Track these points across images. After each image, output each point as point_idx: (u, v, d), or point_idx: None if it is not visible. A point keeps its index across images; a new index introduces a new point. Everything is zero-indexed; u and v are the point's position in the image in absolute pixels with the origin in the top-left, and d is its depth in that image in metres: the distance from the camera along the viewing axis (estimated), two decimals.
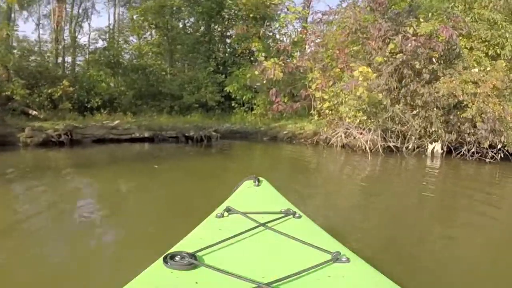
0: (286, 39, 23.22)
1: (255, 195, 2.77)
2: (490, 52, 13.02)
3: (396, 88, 12.92)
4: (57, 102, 17.83)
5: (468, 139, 12.10)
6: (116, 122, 15.35)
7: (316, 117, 15.33)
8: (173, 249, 1.68)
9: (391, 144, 13.20)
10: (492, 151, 11.87)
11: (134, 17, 25.14)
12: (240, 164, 12.09)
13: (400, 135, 13.33)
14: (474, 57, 12.97)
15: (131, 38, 26.58)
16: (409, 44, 12.12)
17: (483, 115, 11.58)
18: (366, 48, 13.83)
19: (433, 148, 13.00)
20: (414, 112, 12.82)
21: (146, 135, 15.26)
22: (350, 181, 9.62)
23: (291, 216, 2.25)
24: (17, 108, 16.22)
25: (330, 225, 2.77)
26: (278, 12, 24.03)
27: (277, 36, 24.34)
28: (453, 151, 12.67)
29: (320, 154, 14.03)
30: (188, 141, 15.76)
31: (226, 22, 25.16)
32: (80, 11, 27.36)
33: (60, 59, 23.32)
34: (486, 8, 13.15)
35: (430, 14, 13.40)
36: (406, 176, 10.58)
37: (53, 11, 23.84)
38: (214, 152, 14.66)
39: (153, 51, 25.85)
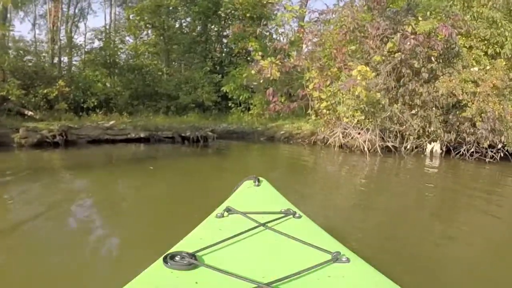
0: (283, 39, 23.12)
1: (255, 195, 2.76)
2: (489, 51, 12.90)
3: (394, 87, 12.82)
4: (53, 102, 17.81)
5: (467, 138, 12.00)
6: (112, 122, 15.22)
7: (313, 117, 15.19)
8: (173, 249, 1.68)
9: (390, 144, 13.08)
10: (491, 151, 11.77)
11: (131, 17, 24.99)
12: (237, 164, 12.01)
13: (398, 135, 13.23)
14: (473, 56, 12.86)
15: (127, 38, 26.47)
16: (408, 43, 12.02)
17: (483, 115, 11.48)
18: (364, 47, 13.71)
19: (432, 148, 12.90)
20: (413, 111, 12.71)
21: (141, 135, 15.11)
22: (349, 181, 9.56)
23: (291, 216, 2.25)
24: (13, 109, 16.16)
25: (329, 225, 2.69)
26: (275, 12, 23.93)
27: (274, 36, 24.26)
28: (452, 151, 12.57)
29: (317, 154, 13.95)
30: (184, 141, 15.63)
31: (223, 22, 25.06)
32: (76, 11, 27.34)
33: (56, 59, 23.21)
34: (485, 6, 13.04)
35: (428, 13, 13.29)
36: (405, 176, 10.50)
37: (49, 11, 23.79)
38: (210, 153, 14.53)
39: (149, 51, 25.79)
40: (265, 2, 23.11)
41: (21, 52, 21.02)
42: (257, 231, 1.97)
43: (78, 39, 26.68)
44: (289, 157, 13.75)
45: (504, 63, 12.12)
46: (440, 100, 12.03)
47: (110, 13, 27.94)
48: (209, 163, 11.95)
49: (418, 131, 12.80)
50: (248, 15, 23.03)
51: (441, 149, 12.81)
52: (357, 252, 1.81)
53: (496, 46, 12.79)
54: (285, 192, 2.88)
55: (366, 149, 12.67)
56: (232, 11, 23.78)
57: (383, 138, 13.13)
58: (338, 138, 13.60)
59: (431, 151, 12.94)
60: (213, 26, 25.56)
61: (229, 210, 2.23)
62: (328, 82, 14.13)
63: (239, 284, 1.42)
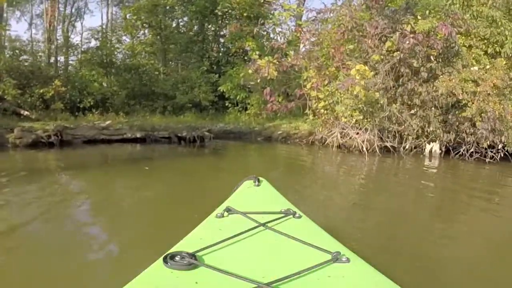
0: (281, 38, 23.07)
1: (255, 195, 2.76)
2: (489, 50, 12.80)
3: (393, 87, 12.71)
4: (49, 102, 17.83)
5: (467, 139, 11.90)
6: (108, 122, 15.13)
7: (311, 117, 15.11)
8: (173, 249, 1.67)
9: (388, 144, 12.98)
10: (491, 151, 11.68)
11: (127, 16, 25.01)
12: (234, 164, 11.93)
13: (397, 135, 13.13)
14: (473, 55, 12.75)
15: (124, 37, 26.49)
16: (407, 42, 11.92)
17: (483, 114, 11.37)
18: (362, 46, 13.61)
19: (431, 148, 12.81)
20: (412, 111, 12.62)
21: (138, 135, 15.00)
22: (348, 181, 9.48)
23: (291, 216, 2.24)
24: (9, 108, 16.18)
25: (329, 225, 2.65)
26: (272, 12, 23.89)
27: (271, 35, 24.21)
28: (451, 151, 12.48)
29: (315, 155, 13.85)
30: (181, 141, 15.52)
31: (220, 21, 25.01)
32: (73, 10, 27.45)
33: (52, 59, 23.21)
34: (485, 5, 12.94)
35: (427, 12, 13.19)
36: (404, 176, 10.42)
37: (45, 10, 23.82)
38: (207, 153, 14.43)
39: (146, 50, 25.85)
40: (262, 1, 23.09)
41: (17, 51, 20.98)
42: (257, 231, 1.97)
43: (75, 39, 26.84)
44: (286, 157, 13.67)
45: (504, 62, 12.01)
46: (440, 99, 11.93)
47: (107, 12, 28.05)
48: (205, 163, 11.85)
49: (417, 131, 12.70)
50: (245, 14, 22.98)
51: (440, 149, 12.71)
52: (357, 252, 1.80)
53: (496, 45, 12.68)
54: (283, 192, 2.87)
55: (364, 149, 12.57)
56: (229, 11, 23.72)
57: (381, 138, 13.03)
58: (336, 138, 13.50)
59: (430, 151, 12.84)
60: (210, 26, 25.59)
61: (229, 210, 2.22)
62: (326, 82, 14.03)
63: (239, 284, 1.42)
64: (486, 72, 11.80)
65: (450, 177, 10.46)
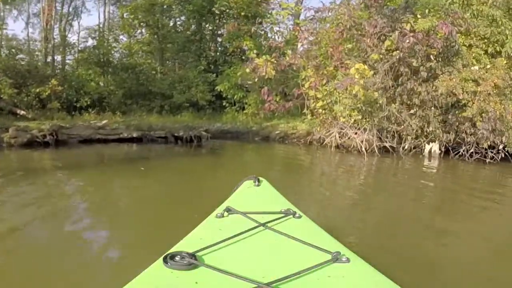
0: (278, 37, 23.00)
1: (255, 195, 2.78)
2: (489, 50, 12.72)
3: (392, 86, 12.62)
4: (45, 101, 17.77)
5: (467, 139, 11.82)
6: (104, 122, 15.03)
7: (309, 117, 15.00)
8: (173, 249, 1.68)
9: (387, 145, 12.90)
10: (491, 152, 11.60)
11: (124, 15, 24.85)
12: (231, 164, 11.88)
13: (396, 135, 13.04)
14: (473, 55, 12.67)
15: (121, 36, 26.45)
16: (407, 41, 11.83)
17: (483, 114, 11.29)
18: (361, 45, 13.51)
19: (431, 148, 12.73)
20: (411, 111, 12.53)
21: (134, 135, 14.91)
22: (347, 181, 9.47)
23: (291, 216, 2.25)
24: (5, 108, 16.17)
25: (329, 225, 2.65)
26: (270, 11, 23.83)
27: (269, 35, 24.14)
28: (451, 151, 12.39)
29: (314, 155, 13.79)
30: (178, 141, 15.45)
31: (217, 21, 24.94)
32: (70, 9, 27.20)
33: (49, 58, 23.09)
34: (485, 4, 12.86)
35: (427, 11, 13.09)
36: (403, 176, 10.40)
37: (42, 9, 23.70)
38: (204, 153, 14.37)
39: (143, 49, 25.81)
40: (259, 0, 22.99)
41: (13, 50, 20.90)
42: (257, 231, 1.98)
43: (72, 38, 26.62)
44: (284, 157, 13.63)
45: (505, 62, 11.94)
46: (439, 99, 11.84)
47: (104, 11, 27.87)
48: (203, 163, 11.83)
49: (416, 131, 12.63)
50: (242, 13, 22.91)
51: (439, 149, 12.64)
52: (357, 252, 1.82)
53: (496, 44, 12.62)
54: (282, 192, 2.87)
55: (363, 149, 12.48)
56: (227, 10, 23.64)
57: (380, 138, 12.95)
58: (335, 138, 13.41)
59: (430, 152, 12.77)
60: (207, 25, 25.51)
61: (229, 210, 2.24)
62: (324, 81, 13.94)
63: (239, 284, 1.43)
64: (486, 72, 11.72)
65: (450, 177, 10.47)
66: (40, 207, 5.83)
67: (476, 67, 12.04)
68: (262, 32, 24.25)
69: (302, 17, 19.93)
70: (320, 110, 13.92)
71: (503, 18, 12.48)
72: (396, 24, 12.81)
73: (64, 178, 8.73)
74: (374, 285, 1.60)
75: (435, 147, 12.66)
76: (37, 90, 17.23)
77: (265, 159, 13.55)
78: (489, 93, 11.23)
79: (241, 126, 18.85)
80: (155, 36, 24.68)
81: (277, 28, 23.73)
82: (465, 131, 11.83)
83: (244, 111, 20.59)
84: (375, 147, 12.65)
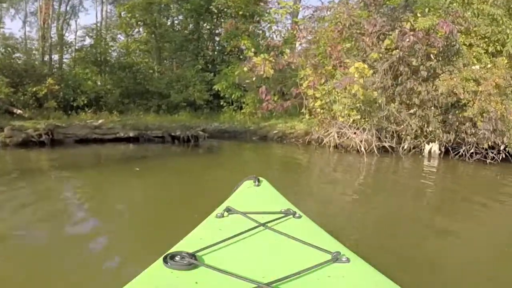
0: (276, 36, 22.97)
1: (255, 195, 2.79)
2: (490, 49, 12.67)
3: (392, 86, 12.54)
4: (42, 100, 17.74)
5: (468, 139, 11.75)
6: (100, 121, 14.92)
7: (307, 116, 14.94)
8: (173, 249, 1.69)
9: (387, 144, 12.83)
10: (492, 152, 11.52)
11: (122, 14, 24.81)
12: (229, 164, 11.77)
13: (395, 135, 12.97)
14: (474, 54, 12.61)
15: (118, 35, 26.43)
16: (407, 40, 11.74)
17: (484, 114, 11.22)
18: (360, 44, 13.44)
19: (430, 148, 12.65)
20: (411, 111, 12.46)
21: (131, 134, 14.78)
22: (346, 181, 9.40)
23: (291, 216, 2.26)
24: (1, 107, 16.09)
25: (328, 225, 2.63)
26: (268, 10, 23.78)
27: (267, 34, 24.14)
28: (450, 151, 12.31)
29: (312, 155, 13.72)
30: (175, 141, 15.34)
31: (215, 20, 24.92)
32: (68, 8, 27.07)
33: (46, 57, 23.03)
34: (486, 3, 12.79)
35: (427, 10, 13.02)
36: (403, 177, 10.34)
37: (40, 8, 23.65)
38: (201, 153, 14.28)
39: (140, 49, 25.81)
40: None
41: (9, 49, 20.81)
42: (257, 231, 1.99)
43: (69, 37, 26.56)
44: (282, 157, 13.57)
45: (506, 61, 11.87)
46: (439, 99, 11.77)
47: (102, 10, 27.80)
48: (200, 163, 11.76)
49: (416, 131, 12.56)
50: (240, 12, 22.93)
51: (439, 149, 12.56)
52: (357, 252, 1.82)
53: (497, 44, 12.58)
54: (281, 192, 2.87)
55: (362, 149, 12.41)
56: (225, 9, 23.62)
57: (379, 138, 12.87)
58: (333, 138, 13.33)
59: (429, 152, 12.69)
60: (205, 24, 25.52)
61: (229, 210, 2.25)
62: (323, 80, 13.86)
63: (239, 284, 1.43)
64: (487, 71, 11.64)
65: (450, 178, 10.43)
66: (36, 208, 5.78)
67: (477, 67, 11.96)
68: (260, 31, 24.25)
69: (300, 15, 19.91)
70: (319, 110, 13.86)
71: (504, 17, 12.42)
72: (395, 23, 12.73)
73: (60, 178, 8.65)
74: (374, 285, 1.61)
75: (435, 147, 12.58)
76: (34, 89, 17.29)
77: (263, 158, 13.47)
78: (490, 93, 11.15)
79: (239, 125, 18.81)
80: (153, 35, 24.63)
81: (275, 27, 23.75)
82: (466, 131, 11.76)
83: (242, 111, 20.60)
84: (374, 147, 12.57)
